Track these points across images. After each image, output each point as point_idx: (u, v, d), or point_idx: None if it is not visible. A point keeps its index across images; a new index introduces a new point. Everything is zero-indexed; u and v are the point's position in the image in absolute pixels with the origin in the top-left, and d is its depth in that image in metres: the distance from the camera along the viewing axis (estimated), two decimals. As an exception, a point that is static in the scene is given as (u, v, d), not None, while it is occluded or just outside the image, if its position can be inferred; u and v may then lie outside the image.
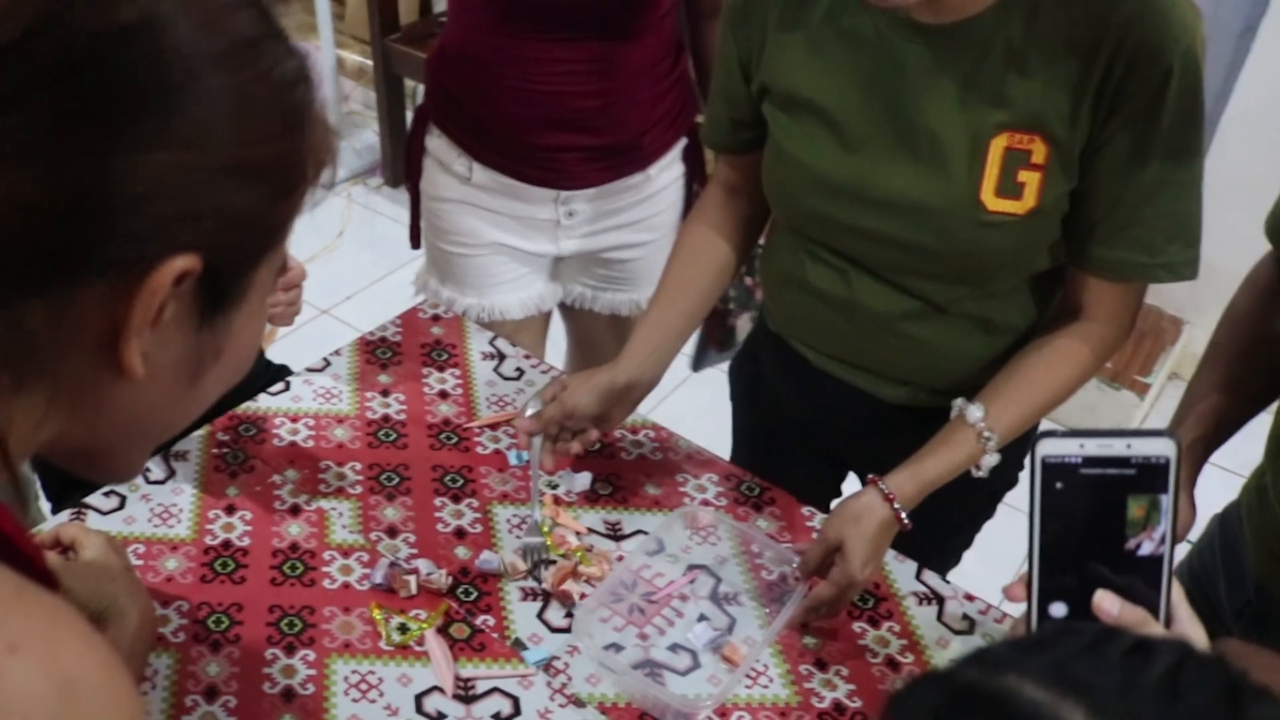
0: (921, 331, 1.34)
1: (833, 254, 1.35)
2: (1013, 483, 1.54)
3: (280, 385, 1.60)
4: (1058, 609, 0.82)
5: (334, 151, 0.67)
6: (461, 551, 1.40)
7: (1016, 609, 1.33)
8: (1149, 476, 0.79)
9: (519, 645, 1.30)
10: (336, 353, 1.67)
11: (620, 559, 1.40)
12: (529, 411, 1.39)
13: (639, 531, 1.44)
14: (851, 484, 1.68)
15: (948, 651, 1.33)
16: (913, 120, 1.22)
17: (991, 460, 1.28)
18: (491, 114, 1.73)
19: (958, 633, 1.36)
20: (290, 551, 1.38)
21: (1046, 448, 0.79)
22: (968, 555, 1.65)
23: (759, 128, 1.38)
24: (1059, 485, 0.79)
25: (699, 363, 2.11)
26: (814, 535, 1.45)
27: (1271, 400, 1.37)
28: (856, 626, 1.36)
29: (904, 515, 1.25)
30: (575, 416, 1.37)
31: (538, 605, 1.34)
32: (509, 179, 1.78)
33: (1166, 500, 0.80)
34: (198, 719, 1.19)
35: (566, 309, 2.06)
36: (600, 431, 1.41)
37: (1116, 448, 0.79)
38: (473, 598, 1.34)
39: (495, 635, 1.30)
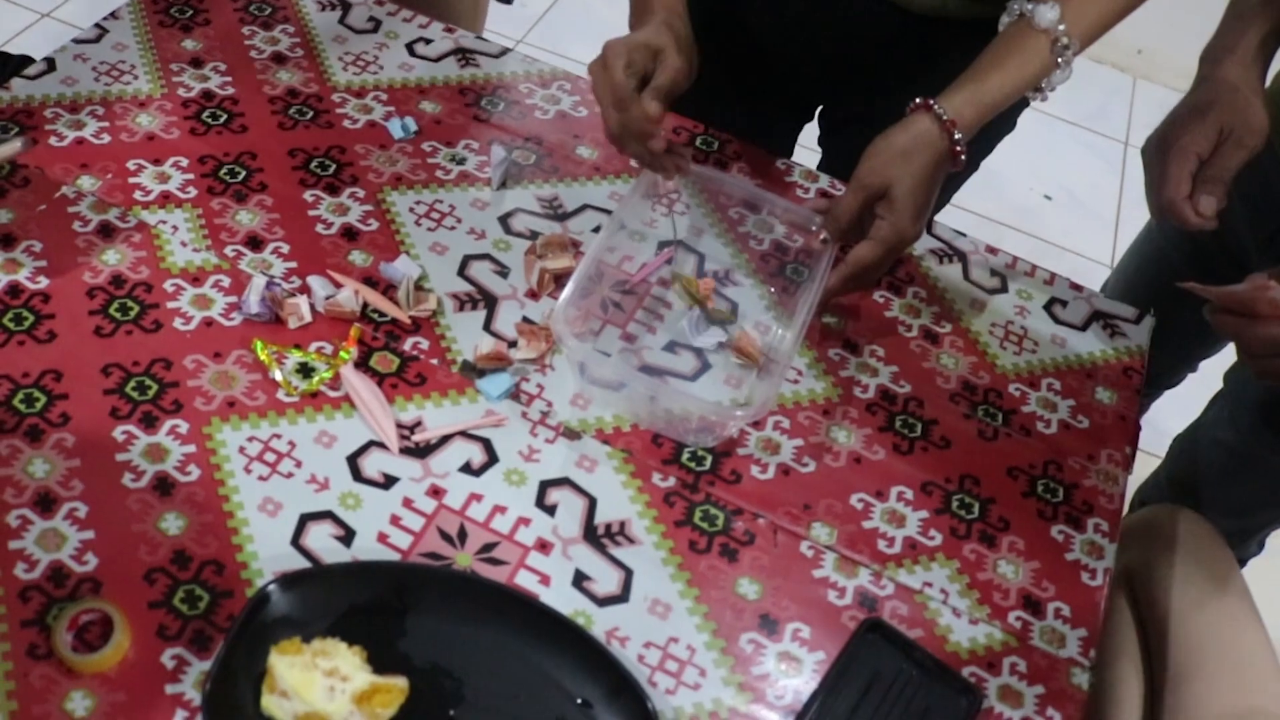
0: None
1: None
2: None
3: (41, 65, 1.06)
4: None
5: None
6: (358, 257, 0.96)
7: (1044, 259, 0.99)
8: None
9: (469, 371, 0.91)
10: (112, 15, 1.13)
11: (576, 244, 1.01)
12: (651, 108, 0.88)
13: (586, 207, 1.05)
14: (808, 136, 1.32)
15: (985, 315, 1.04)
16: None
17: (1062, 77, 0.93)
18: None
19: (990, 292, 1.06)
20: (113, 287, 0.90)
21: None
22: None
23: None
24: None
25: None
26: (801, 193, 1.10)
27: None
28: (878, 296, 1.03)
29: (963, 150, 0.91)
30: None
31: (481, 314, 0.95)
32: None
33: None
34: (34, 541, 0.76)
35: None
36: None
37: None
38: (389, 318, 0.93)
39: (435, 362, 0.91)
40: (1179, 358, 1.34)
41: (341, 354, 0.88)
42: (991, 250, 1.08)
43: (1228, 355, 1.32)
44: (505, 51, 1.16)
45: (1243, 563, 1.37)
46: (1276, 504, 1.23)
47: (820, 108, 1.28)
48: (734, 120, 1.15)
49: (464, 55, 1.14)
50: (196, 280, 0.91)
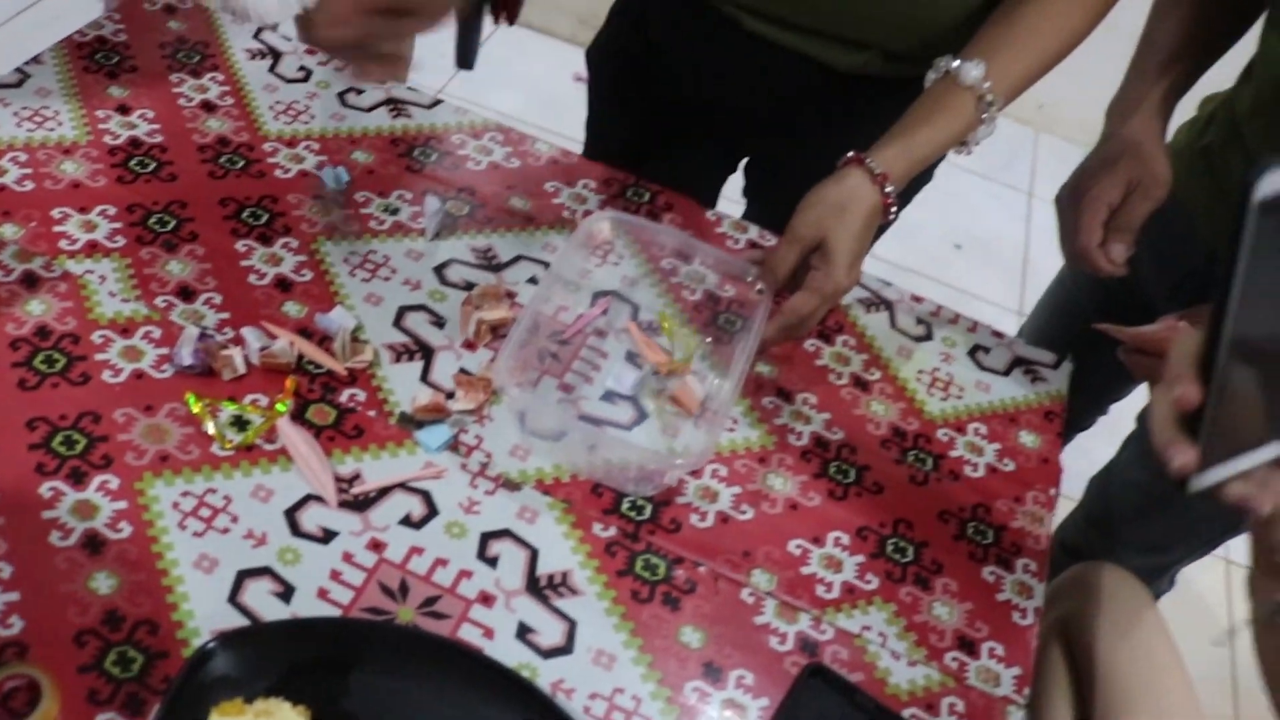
0: None
1: None
2: None
3: (-44, 110, 1.04)
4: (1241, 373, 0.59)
5: None
6: (293, 308, 0.95)
7: (956, 306, 1.06)
8: None
9: (407, 423, 0.91)
10: (35, 60, 1.10)
11: (511, 295, 1.01)
12: None
13: (520, 258, 1.06)
14: (734, 185, 1.34)
15: (912, 363, 1.06)
16: None
17: (986, 133, 0.97)
18: None
19: (916, 339, 1.09)
20: (38, 339, 0.88)
21: (1266, 187, 0.54)
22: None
23: None
24: (1266, 226, 0.55)
25: (468, 53, 1.60)
26: (731, 243, 1.12)
27: (1229, 47, 1.14)
28: (809, 345, 1.05)
29: (894, 203, 0.93)
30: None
31: (418, 365, 0.94)
32: None
33: None
34: (-47, 602, 0.73)
35: None
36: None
37: None
38: (325, 370, 0.92)
39: (372, 414, 0.90)
40: (1091, 401, 1.39)
41: (278, 405, 0.87)
42: (916, 299, 1.12)
43: (1137, 398, 1.38)
44: (437, 102, 1.16)
45: (1155, 598, 1.42)
46: (1187, 540, 1.28)
47: (745, 161, 1.31)
48: (659, 171, 1.17)
49: (395, 105, 1.14)
50: (126, 331, 0.89)
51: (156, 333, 0.90)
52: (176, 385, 0.87)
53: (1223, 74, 1.14)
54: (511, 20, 1.50)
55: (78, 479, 0.80)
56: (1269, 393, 0.61)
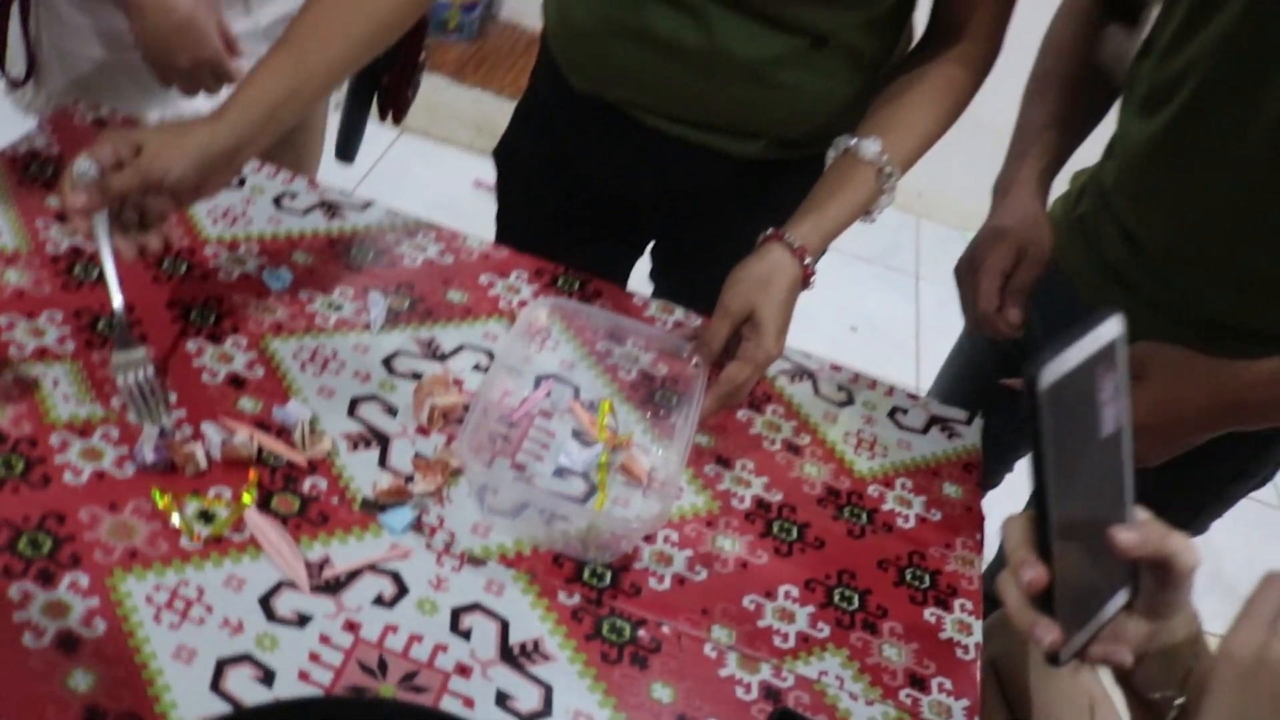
0: (794, 77, 1.08)
1: None
2: None
3: (-111, 228, 1.04)
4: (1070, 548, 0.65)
5: None
6: (248, 404, 0.98)
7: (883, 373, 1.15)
8: (1109, 356, 0.63)
9: (370, 507, 0.93)
10: (-34, 176, 1.12)
11: (459, 382, 1.06)
12: (79, 171, 0.89)
13: (462, 347, 1.10)
14: (642, 268, 1.42)
15: (838, 426, 1.14)
16: None
17: (888, 201, 1.07)
18: None
19: (840, 405, 1.17)
20: (-5, 445, 0.90)
21: (1047, 376, 0.59)
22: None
23: None
24: (1056, 410, 0.60)
25: (350, 147, 1.65)
26: (660, 325, 1.18)
27: (1094, 127, 1.27)
28: (741, 415, 1.12)
29: (813, 273, 1.02)
30: (162, 190, 0.90)
31: (374, 452, 0.98)
32: None
33: (1123, 373, 0.64)
34: (-72, 708, 0.73)
35: None
36: (177, 210, 0.94)
37: (1090, 345, 0.61)
38: (285, 461, 0.95)
39: (335, 500, 0.93)
40: (997, 459, 1.49)
41: (244, 496, 0.89)
42: (835, 368, 1.20)
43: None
44: (368, 204, 1.22)
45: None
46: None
47: (652, 244, 1.39)
48: (569, 261, 1.22)
49: (329, 208, 1.19)
50: (84, 433, 0.91)
51: (115, 433, 0.92)
52: (140, 483, 0.89)
53: (1090, 151, 1.28)
54: (398, 120, 1.57)
55: (46, 579, 0.81)
56: (1096, 551, 0.66)
